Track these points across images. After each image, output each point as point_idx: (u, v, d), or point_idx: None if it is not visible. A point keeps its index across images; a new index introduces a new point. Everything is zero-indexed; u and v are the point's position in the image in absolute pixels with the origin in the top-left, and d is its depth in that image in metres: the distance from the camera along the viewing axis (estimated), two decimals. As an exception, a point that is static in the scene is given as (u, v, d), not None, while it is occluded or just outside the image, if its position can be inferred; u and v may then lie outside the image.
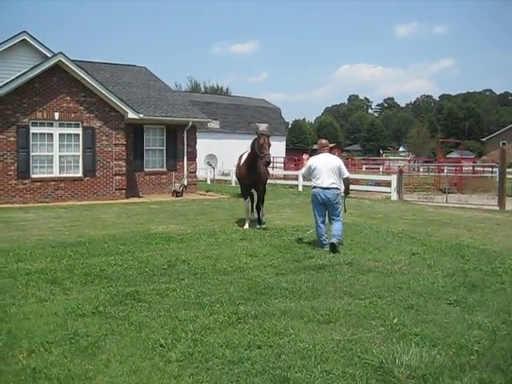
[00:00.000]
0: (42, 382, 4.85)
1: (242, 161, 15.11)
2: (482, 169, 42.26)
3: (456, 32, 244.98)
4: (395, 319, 6.50)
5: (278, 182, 18.37)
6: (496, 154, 57.66)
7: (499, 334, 6.08)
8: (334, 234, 11.33)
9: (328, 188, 11.40)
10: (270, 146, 13.93)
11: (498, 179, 25.30)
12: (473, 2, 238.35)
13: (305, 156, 12.82)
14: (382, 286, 8.20)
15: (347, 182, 12.18)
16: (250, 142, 14.77)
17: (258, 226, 14.66)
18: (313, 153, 12.99)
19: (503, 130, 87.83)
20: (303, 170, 12.24)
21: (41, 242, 12.20)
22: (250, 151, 14.63)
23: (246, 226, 14.69)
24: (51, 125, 22.64)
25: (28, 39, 23.74)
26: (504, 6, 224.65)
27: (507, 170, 25.72)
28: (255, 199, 15.31)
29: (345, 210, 12.48)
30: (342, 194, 12.19)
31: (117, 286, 8.15)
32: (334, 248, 10.97)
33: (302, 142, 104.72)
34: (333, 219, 11.62)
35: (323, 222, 11.69)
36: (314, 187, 11.60)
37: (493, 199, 24.82)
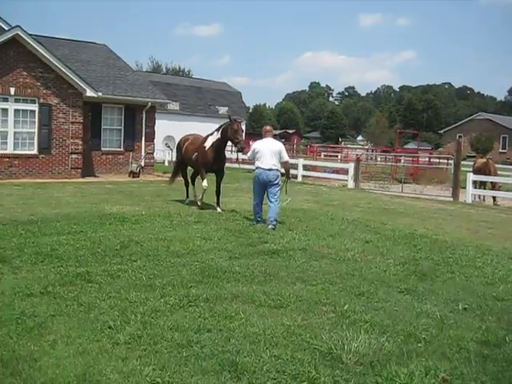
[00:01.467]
0: (-15, 362, 4.74)
1: (208, 145, 15.15)
2: (437, 160, 42.84)
3: (418, 25, 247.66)
4: (346, 306, 6.54)
5: (237, 166, 18.30)
6: (452, 146, 58.61)
7: (447, 323, 6.18)
8: (271, 219, 12.30)
9: (270, 169, 12.45)
10: (242, 131, 14.65)
11: (452, 171, 25.71)
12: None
13: (251, 143, 13.61)
14: (335, 272, 8.26)
15: (287, 165, 13.19)
16: (211, 124, 14.94)
17: (219, 210, 14.77)
18: None
19: (460, 123, 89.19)
20: (248, 154, 13.22)
21: (-9, 219, 11.94)
22: (218, 136, 14.93)
23: (199, 202, 15.46)
24: (6, 100, 22.11)
25: (-16, 11, 23.14)
26: (466, 2, 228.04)
27: (462, 162, 26.16)
28: (203, 183, 15.44)
29: (286, 192, 13.55)
30: (283, 178, 13.23)
31: (67, 266, 8.03)
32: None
33: (261, 126, 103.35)
34: (271, 201, 12.53)
35: (260, 202, 12.81)
36: (257, 168, 12.64)
37: (447, 190, 25.24)
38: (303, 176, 29.42)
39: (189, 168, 16.89)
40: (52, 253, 8.80)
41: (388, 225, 13.65)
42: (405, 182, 28.49)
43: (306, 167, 30.74)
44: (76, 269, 7.83)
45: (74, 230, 10.78)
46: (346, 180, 27.19)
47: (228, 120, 14.83)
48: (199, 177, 15.92)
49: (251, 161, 13.52)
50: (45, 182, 21.32)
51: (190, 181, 16.89)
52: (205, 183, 15.25)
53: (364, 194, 23.49)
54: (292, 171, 29.99)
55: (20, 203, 14.88)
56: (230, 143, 15.14)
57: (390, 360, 5.05)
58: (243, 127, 16.82)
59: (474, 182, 23.57)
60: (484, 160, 25.94)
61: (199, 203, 15.35)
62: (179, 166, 17.29)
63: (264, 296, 6.80)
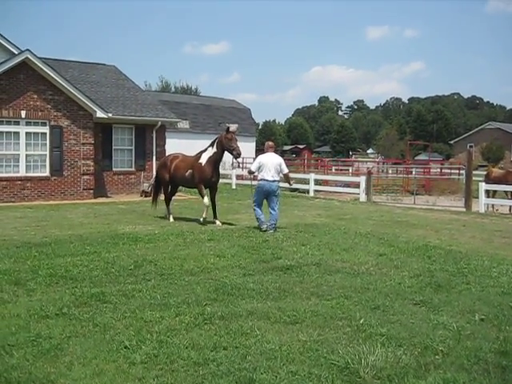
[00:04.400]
0: (2, 386, 4.75)
1: (204, 161, 15.41)
2: (449, 171, 42.74)
3: (426, 35, 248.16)
4: (362, 320, 6.51)
5: (248, 182, 18.32)
6: (463, 156, 58.45)
7: (464, 334, 6.14)
8: (272, 225, 14.04)
9: (273, 181, 14.22)
10: (236, 140, 15.17)
11: (464, 181, 25.60)
12: (443, 6, 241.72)
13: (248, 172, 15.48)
14: (349, 286, 8.22)
15: (287, 175, 15.13)
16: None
17: (218, 223, 15.30)
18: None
19: (470, 133, 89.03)
20: (253, 166, 14.53)
21: (5, 242, 11.99)
22: (215, 150, 15.30)
23: (204, 216, 15.37)
24: (17, 123, 22.29)
25: (-6, 36, 23.39)
26: (473, 12, 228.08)
27: (473, 172, 26.05)
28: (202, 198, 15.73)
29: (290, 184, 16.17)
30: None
31: (82, 286, 8.05)
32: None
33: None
34: (273, 209, 14.24)
35: (259, 206, 14.43)
36: (261, 179, 14.26)
37: (459, 201, 25.13)
38: (315, 191, 29.40)
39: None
40: (66, 274, 8.83)
41: (401, 237, 13.59)
42: (417, 194, 28.38)
43: (317, 182, 30.73)
44: (90, 289, 7.84)
45: (88, 251, 10.81)
46: (358, 193, 27.12)
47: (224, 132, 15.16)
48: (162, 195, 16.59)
49: (250, 175, 15.26)
50: (57, 204, 21.42)
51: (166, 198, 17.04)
52: (206, 200, 15.43)
53: (376, 206, 23.42)
54: (303, 186, 30.33)
55: (33, 225, 14.94)
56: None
57: (408, 373, 5.01)
58: (252, 144, 17.07)
59: (487, 192, 23.41)
60: (500, 170, 25.72)
61: (202, 220, 15.39)
62: (163, 185, 17.06)
63: (279, 312, 6.79)
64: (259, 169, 14.32)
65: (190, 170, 15.70)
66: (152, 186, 18.32)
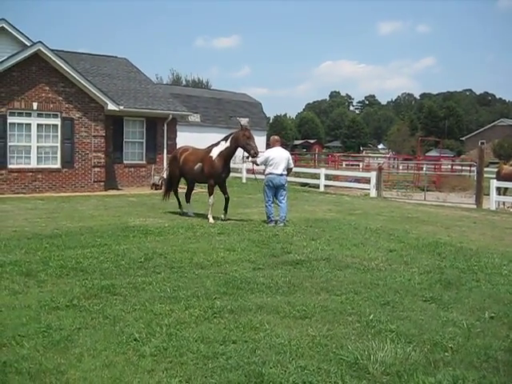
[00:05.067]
0: (13, 377, 4.78)
1: (215, 155, 15.16)
2: (460, 167, 42.58)
3: (438, 31, 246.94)
4: (371, 315, 6.51)
5: (259, 176, 18.23)
6: (474, 153, 58.18)
7: (473, 331, 6.12)
8: (282, 216, 14.30)
9: (281, 174, 14.41)
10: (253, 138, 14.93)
11: (475, 178, 25.50)
12: (455, 2, 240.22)
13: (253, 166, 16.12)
14: (359, 282, 8.22)
15: (291, 171, 15.41)
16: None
17: (224, 217, 15.21)
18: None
19: (482, 129, 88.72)
20: (261, 159, 14.63)
21: (16, 233, 12.07)
22: (227, 145, 15.06)
23: (212, 220, 14.89)
24: (29, 115, 22.39)
25: (7, 27, 23.46)
26: (486, 7, 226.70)
27: (485, 169, 25.94)
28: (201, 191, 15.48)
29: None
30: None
31: (92, 279, 8.09)
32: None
33: (283, 137, 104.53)
34: (281, 201, 14.46)
35: (272, 203, 14.50)
36: (270, 174, 14.41)
37: (470, 198, 25.06)
38: (325, 186, 29.37)
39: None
40: (77, 266, 8.88)
41: (412, 233, 13.56)
42: (427, 190, 28.34)
43: (327, 177, 30.70)
44: (101, 282, 7.88)
45: (98, 243, 10.86)
46: (369, 189, 27.08)
47: (241, 128, 14.97)
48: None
49: (256, 168, 15.43)
50: (68, 196, 21.51)
51: (181, 198, 16.79)
52: (211, 199, 15.22)
53: (387, 202, 23.37)
54: (314, 181, 30.31)
55: (44, 217, 15.02)
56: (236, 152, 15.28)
57: (417, 370, 5.00)
58: (263, 138, 17.03)
59: (498, 189, 23.30)
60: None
61: (212, 219, 14.90)
62: (174, 179, 16.79)
63: (289, 307, 6.79)
64: (267, 163, 14.47)
65: (199, 164, 15.44)
66: (163, 179, 18.21)
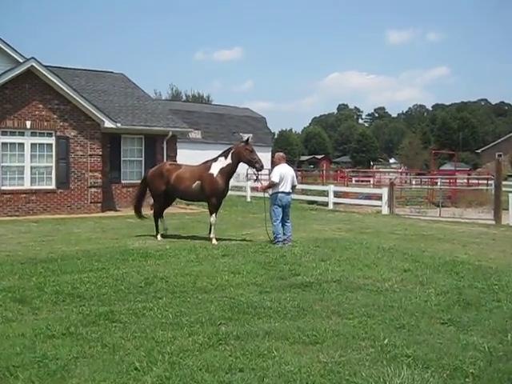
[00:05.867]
0: (7, 409, 4.75)
1: (216, 172, 15.10)
2: (476, 181, 42.50)
3: (450, 39, 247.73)
4: (386, 340, 6.46)
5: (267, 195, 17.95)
6: (491, 165, 58.11)
7: (496, 355, 6.06)
8: (289, 236, 14.61)
9: (290, 193, 14.70)
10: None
11: (493, 192, 25.43)
12: (468, 9, 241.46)
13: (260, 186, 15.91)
14: (372, 304, 8.17)
15: (295, 188, 15.42)
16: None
17: (215, 242, 14.81)
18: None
19: (499, 141, 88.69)
20: (276, 179, 14.49)
21: (9, 258, 12.07)
22: (229, 161, 15.07)
23: (215, 241, 14.82)
24: (22, 134, 22.49)
25: (-1, 43, 23.66)
26: (500, 14, 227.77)
27: (503, 182, 25.89)
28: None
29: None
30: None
31: (90, 305, 8.07)
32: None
33: (288, 153, 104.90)
34: (286, 221, 14.70)
35: (280, 222, 14.55)
36: (279, 192, 14.49)
37: (488, 213, 24.95)
38: (334, 203, 29.36)
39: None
40: (73, 292, 8.86)
41: (427, 252, 13.51)
42: (442, 206, 28.27)
43: (336, 194, 30.69)
44: (99, 308, 7.86)
45: (96, 267, 10.85)
46: (380, 206, 27.05)
47: (241, 142, 15.03)
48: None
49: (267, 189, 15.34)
50: (63, 218, 21.53)
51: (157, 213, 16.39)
52: (214, 218, 15.15)
53: (400, 219, 23.33)
54: (322, 198, 30.29)
55: (38, 240, 15.03)
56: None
57: (437, 397, 4.96)
58: (267, 154, 17.02)
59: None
60: None
61: (215, 241, 14.81)
62: (154, 198, 16.49)
63: (298, 332, 6.75)
64: (279, 181, 14.50)
65: (197, 182, 15.28)
66: (136, 195, 17.40)
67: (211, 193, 15.14)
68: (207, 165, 15.47)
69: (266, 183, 15.81)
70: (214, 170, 15.16)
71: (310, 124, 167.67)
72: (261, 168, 14.92)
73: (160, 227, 16.22)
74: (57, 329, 6.86)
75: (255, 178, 15.40)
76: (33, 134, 22.72)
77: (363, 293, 8.98)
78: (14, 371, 5.54)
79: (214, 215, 15.20)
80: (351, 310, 7.82)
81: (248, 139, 15.52)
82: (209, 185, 15.13)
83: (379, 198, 27.74)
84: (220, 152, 15.81)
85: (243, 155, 14.83)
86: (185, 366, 5.66)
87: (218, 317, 7.43)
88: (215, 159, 15.43)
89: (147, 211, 17.20)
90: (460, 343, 6.46)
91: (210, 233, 15.17)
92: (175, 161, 27.16)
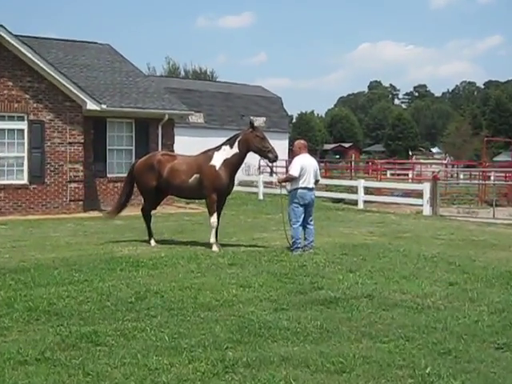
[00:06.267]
0: None
1: (218, 164, 14.95)
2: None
3: (506, 1, 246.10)
4: (428, 368, 6.45)
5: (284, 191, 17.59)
6: (557, 156, 57.79)
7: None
8: (311, 242, 14.60)
9: (313, 188, 14.67)
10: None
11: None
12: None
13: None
14: (411, 325, 8.16)
15: (317, 183, 15.31)
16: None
17: (215, 249, 14.74)
18: None
19: None
20: (295, 171, 14.37)
21: (-27, 267, 12.12)
22: (236, 151, 14.95)
23: (216, 247, 14.75)
24: (-13, 118, 22.60)
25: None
26: None
27: None
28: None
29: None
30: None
31: (69, 324, 8.08)
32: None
33: (309, 141, 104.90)
34: (309, 223, 14.68)
35: (301, 225, 14.47)
36: (301, 188, 14.35)
37: (554, 214, 24.84)
38: (365, 202, 29.31)
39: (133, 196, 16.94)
40: (49, 308, 8.88)
41: (478, 261, 13.47)
42: (497, 205, 28.14)
43: (368, 190, 30.63)
44: (80, 328, 7.87)
45: (77, 279, 10.88)
46: (421, 205, 26.97)
47: (248, 128, 14.93)
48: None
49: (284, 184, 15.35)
50: (38, 219, 21.60)
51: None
52: (214, 219, 15.07)
53: (444, 221, 23.27)
54: (350, 196, 30.26)
55: (8, 246, 15.09)
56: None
57: None
58: (284, 142, 16.92)
59: None
60: None
61: (216, 247, 14.76)
62: (145, 196, 16.35)
63: (321, 358, 6.75)
64: (300, 175, 14.33)
65: (195, 175, 15.09)
66: (122, 192, 17.17)
67: (212, 188, 14.99)
68: (208, 155, 15.31)
69: (283, 177, 15.77)
70: (217, 161, 15.00)
71: (335, 105, 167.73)
72: (275, 159, 14.83)
73: (153, 230, 16.16)
74: (30, 353, 6.86)
75: (269, 170, 15.21)
76: (1, 118, 22.79)
77: (400, 311, 8.97)
78: (-21, 404, 5.57)
79: (214, 216, 15.06)
80: (385, 332, 7.81)
81: (252, 122, 15.33)
82: (210, 179, 14.97)
83: (419, 195, 27.67)
84: (225, 139, 15.64)
85: (253, 143, 14.67)
86: (184, 399, 5.68)
87: (225, 339, 7.43)
88: (218, 148, 15.29)
89: (137, 211, 17.06)
90: (518, 373, 6.45)
91: (211, 237, 15.07)
92: (172, 150, 27.21)
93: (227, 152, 15.00)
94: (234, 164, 15.02)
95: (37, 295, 9.63)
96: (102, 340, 7.40)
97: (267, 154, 14.75)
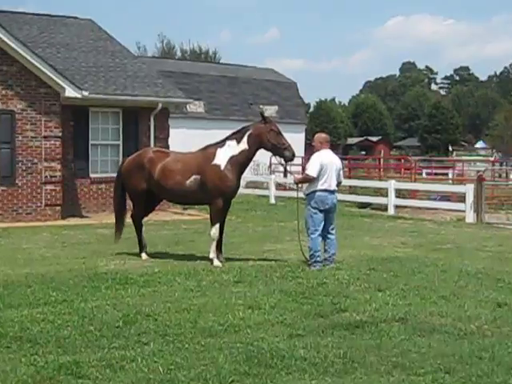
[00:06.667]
0: None
1: (223, 162, 14.83)
2: None
3: None
4: (472, 407, 6.45)
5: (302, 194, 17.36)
6: None
7: None
8: (332, 255, 14.61)
9: (334, 191, 14.58)
10: None
11: None
12: None
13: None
14: (452, 354, 8.14)
15: (339, 185, 15.33)
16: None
17: (217, 263, 14.77)
18: None
19: None
20: (313, 170, 14.19)
21: None
22: (245, 147, 14.82)
23: (218, 262, 14.75)
24: None
25: None
26: None
27: None
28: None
29: None
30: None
31: (45, 353, 8.07)
32: None
33: (330, 133, 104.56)
34: (330, 232, 14.60)
35: (320, 234, 14.39)
36: (320, 191, 14.21)
37: None
38: (396, 206, 29.27)
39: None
40: (22, 334, 8.88)
41: (532, 278, 13.47)
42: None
43: (400, 193, 30.59)
44: (58, 358, 7.85)
45: (54, 299, 10.89)
46: (463, 210, 26.94)
47: (260, 120, 14.89)
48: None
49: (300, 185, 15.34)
50: (7, 227, 21.63)
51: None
52: (215, 230, 14.96)
53: (491, 230, 23.25)
54: (379, 199, 30.23)
55: (-28, 261, 15.14)
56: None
57: None
58: (300, 135, 16.88)
59: None
60: None
61: (218, 262, 14.81)
62: (134, 200, 16.18)
63: (345, 394, 6.76)
64: (319, 175, 14.15)
65: (194, 176, 14.93)
66: (114, 200, 17.24)
67: (217, 192, 14.86)
68: (209, 152, 15.19)
69: (299, 176, 15.71)
70: (221, 159, 14.86)
71: (360, 91, 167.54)
72: (292, 157, 14.86)
73: (145, 241, 16.13)
74: (-1, 388, 6.90)
75: (283, 170, 15.09)
76: (-38, 108, 22.87)
77: (439, 337, 8.96)
78: None
79: (216, 226, 14.95)
80: (421, 363, 7.80)
81: (262, 112, 15.29)
82: (213, 181, 14.83)
83: (461, 198, 27.64)
84: (229, 133, 15.48)
85: (266, 139, 14.55)
86: None
87: (230, 371, 7.41)
88: (221, 143, 15.14)
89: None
90: None
91: (211, 252, 14.99)
92: (167, 146, 27.22)
93: (233, 148, 14.86)
94: (241, 163, 14.93)
95: (7, 318, 9.64)
96: (85, 372, 7.37)
97: (283, 151, 14.67)
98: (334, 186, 14.39)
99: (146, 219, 16.49)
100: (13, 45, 23.05)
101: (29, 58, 23.33)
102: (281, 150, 14.70)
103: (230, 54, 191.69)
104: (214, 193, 14.87)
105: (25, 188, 23.73)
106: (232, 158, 14.79)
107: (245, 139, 14.79)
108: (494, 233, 22.38)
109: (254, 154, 15.04)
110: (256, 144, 14.77)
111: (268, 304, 10.64)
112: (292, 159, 15.00)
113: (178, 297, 11.20)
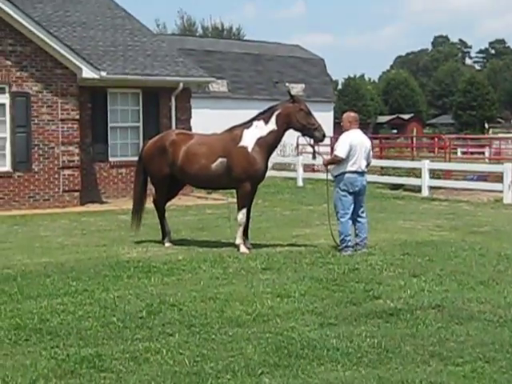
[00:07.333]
0: None
1: (251, 144, 14.75)
2: None
3: None
4: (515, 398, 6.41)
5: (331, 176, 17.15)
6: None
7: None
8: (363, 239, 14.65)
9: (364, 173, 14.70)
10: None
11: None
12: None
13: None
14: (492, 342, 8.09)
15: (368, 166, 15.32)
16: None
17: (244, 250, 14.76)
18: None
19: None
20: (343, 151, 14.22)
21: None
22: (273, 127, 14.73)
23: (244, 249, 14.74)
24: (-39, 90, 22.75)
25: None
26: None
27: None
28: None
29: None
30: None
31: (66, 346, 8.09)
32: None
33: (359, 112, 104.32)
34: (360, 216, 14.71)
35: (351, 218, 14.48)
36: (349, 172, 14.28)
37: None
38: (430, 188, 29.11)
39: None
40: (41, 326, 8.90)
41: None
42: None
43: (434, 173, 30.43)
44: (80, 350, 7.87)
45: (74, 290, 10.92)
46: (501, 191, 26.75)
47: (289, 99, 14.80)
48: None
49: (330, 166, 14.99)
50: (24, 215, 21.70)
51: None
52: (242, 215, 14.93)
53: (531, 212, 23.10)
54: (412, 180, 30.11)
55: (-12, 250, 15.21)
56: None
57: None
58: (329, 114, 16.83)
59: None
60: None
61: (245, 248, 14.77)
62: (160, 185, 15.99)
63: (380, 385, 6.73)
64: (348, 156, 14.19)
65: (220, 159, 14.85)
66: (134, 185, 16.91)
67: (245, 176, 14.79)
68: (235, 133, 15.11)
69: (328, 157, 15.67)
70: (248, 141, 14.78)
71: (391, 67, 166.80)
72: (322, 138, 14.87)
73: (167, 228, 16.11)
74: (18, 382, 6.89)
75: (312, 151, 15.01)
76: (-24, 91, 22.94)
77: (478, 325, 8.91)
78: None
79: (243, 211, 14.94)
80: (460, 352, 7.75)
81: (289, 91, 15.21)
82: (241, 165, 14.75)
83: (498, 178, 27.44)
84: (256, 113, 15.40)
85: (296, 119, 14.49)
86: None
87: (259, 362, 7.40)
88: (248, 124, 15.05)
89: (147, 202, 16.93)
90: None
91: (238, 238, 15.03)
92: (189, 127, 27.20)
93: (261, 129, 14.78)
94: (270, 144, 14.88)
95: (25, 310, 9.68)
96: (108, 365, 7.39)
97: (313, 132, 14.65)
98: (363, 168, 14.46)
99: (168, 204, 16.46)
100: (27, 24, 23.03)
101: (44, 37, 23.31)
102: (311, 131, 14.67)
103: (254, 30, 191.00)
104: (242, 176, 14.79)
105: (42, 173, 23.75)
106: (260, 139, 14.72)
107: (273, 119, 14.72)
108: (534, 214, 22.25)
109: (282, 135, 14.98)
110: (285, 124, 14.70)
111: (298, 292, 10.64)
112: (322, 140, 15.01)
113: (203, 285, 11.21)
